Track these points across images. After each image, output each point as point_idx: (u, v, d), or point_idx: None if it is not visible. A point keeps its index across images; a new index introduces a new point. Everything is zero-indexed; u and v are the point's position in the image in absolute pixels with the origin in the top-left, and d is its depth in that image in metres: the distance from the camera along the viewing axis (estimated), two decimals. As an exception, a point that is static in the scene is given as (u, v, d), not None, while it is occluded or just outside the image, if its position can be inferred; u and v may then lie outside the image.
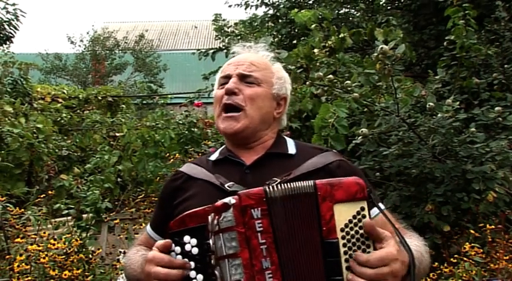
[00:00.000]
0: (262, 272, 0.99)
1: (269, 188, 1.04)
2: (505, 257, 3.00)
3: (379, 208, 1.15)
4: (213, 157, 1.36)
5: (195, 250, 1.07)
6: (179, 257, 1.09)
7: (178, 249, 1.09)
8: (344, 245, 1.01)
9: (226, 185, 1.21)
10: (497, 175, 3.12)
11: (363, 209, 1.02)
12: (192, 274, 1.07)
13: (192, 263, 1.07)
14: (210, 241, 1.04)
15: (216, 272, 1.02)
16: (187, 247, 1.08)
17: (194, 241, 1.07)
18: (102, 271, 3.44)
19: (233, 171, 1.27)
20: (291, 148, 1.33)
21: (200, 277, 1.06)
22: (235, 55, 1.39)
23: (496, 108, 3.60)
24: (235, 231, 1.01)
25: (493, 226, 3.12)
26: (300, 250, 1.02)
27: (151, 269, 1.08)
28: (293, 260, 1.01)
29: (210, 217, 1.04)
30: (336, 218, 1.01)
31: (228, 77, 1.32)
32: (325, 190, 1.03)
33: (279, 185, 1.05)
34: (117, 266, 3.54)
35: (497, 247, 3.11)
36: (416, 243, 1.18)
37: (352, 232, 1.01)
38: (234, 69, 1.32)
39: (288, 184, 1.05)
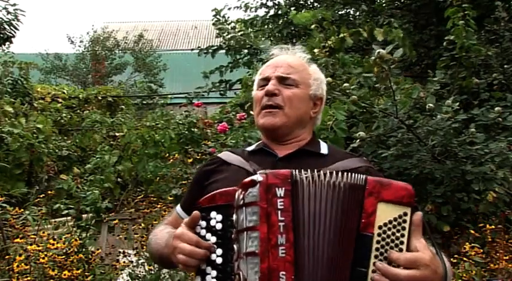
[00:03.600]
0: (277, 247, 1.04)
1: (295, 171, 1.08)
2: (504, 257, 3.01)
3: None
4: (250, 148, 1.44)
5: (218, 226, 1.11)
6: (203, 231, 1.13)
7: (203, 223, 1.13)
8: (378, 242, 1.03)
9: (258, 172, 1.25)
10: (497, 175, 3.12)
11: (405, 214, 1.04)
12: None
13: (214, 238, 1.12)
14: (234, 217, 1.08)
15: (235, 246, 1.07)
16: (212, 222, 1.12)
17: (220, 217, 1.12)
18: (102, 271, 3.44)
19: (265, 161, 1.33)
20: (324, 149, 1.39)
21: (219, 251, 1.11)
22: (273, 57, 1.43)
23: (496, 109, 3.60)
24: (258, 206, 1.06)
25: (493, 226, 3.12)
26: (324, 234, 1.05)
27: (178, 245, 1.12)
28: (313, 242, 1.05)
29: (237, 193, 1.09)
30: (377, 214, 1.04)
31: (267, 79, 1.37)
32: (373, 186, 1.06)
33: (319, 172, 1.08)
34: (117, 266, 3.55)
35: (497, 247, 3.12)
36: (445, 259, 1.17)
37: (389, 233, 1.03)
38: (273, 71, 1.37)
39: (340, 173, 1.09)
